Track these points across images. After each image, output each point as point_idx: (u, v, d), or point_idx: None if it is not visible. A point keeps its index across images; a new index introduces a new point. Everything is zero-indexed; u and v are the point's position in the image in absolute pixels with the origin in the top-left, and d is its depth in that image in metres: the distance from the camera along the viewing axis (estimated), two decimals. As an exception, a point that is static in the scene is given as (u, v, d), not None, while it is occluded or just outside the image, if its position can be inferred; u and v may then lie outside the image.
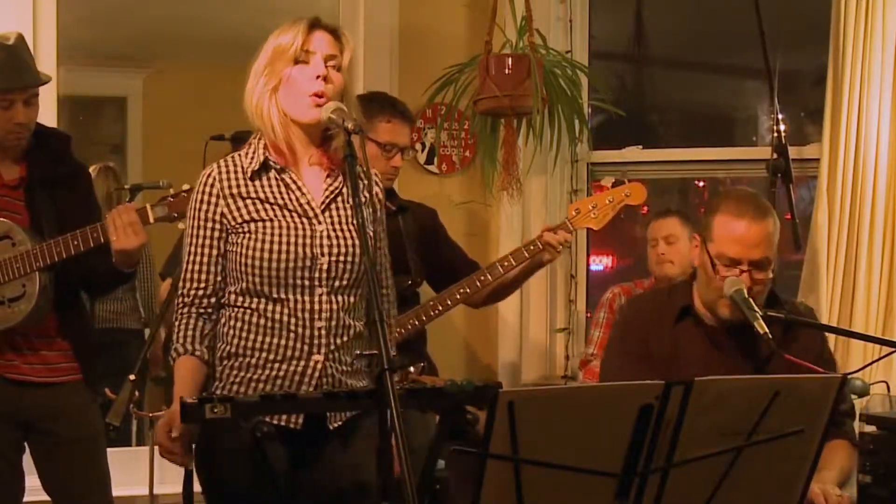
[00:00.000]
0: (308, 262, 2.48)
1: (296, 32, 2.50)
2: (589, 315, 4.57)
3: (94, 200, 3.29)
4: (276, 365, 2.49)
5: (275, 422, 2.46)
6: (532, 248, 3.54)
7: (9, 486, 3.17)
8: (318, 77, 2.48)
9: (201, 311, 2.53)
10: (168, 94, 6.48)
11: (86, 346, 3.24)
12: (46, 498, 3.27)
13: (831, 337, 3.94)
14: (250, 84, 2.53)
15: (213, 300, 2.53)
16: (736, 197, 2.76)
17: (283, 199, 2.52)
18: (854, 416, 2.87)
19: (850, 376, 2.27)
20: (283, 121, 2.51)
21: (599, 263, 5.06)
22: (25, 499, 3.26)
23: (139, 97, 6.78)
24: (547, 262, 3.63)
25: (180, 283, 2.55)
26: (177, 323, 2.54)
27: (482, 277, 3.56)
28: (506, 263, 3.56)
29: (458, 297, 3.56)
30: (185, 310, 2.53)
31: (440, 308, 3.55)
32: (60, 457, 3.19)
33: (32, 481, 3.24)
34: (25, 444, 3.22)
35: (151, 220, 2.96)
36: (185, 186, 2.87)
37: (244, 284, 2.49)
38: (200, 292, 2.53)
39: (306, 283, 2.48)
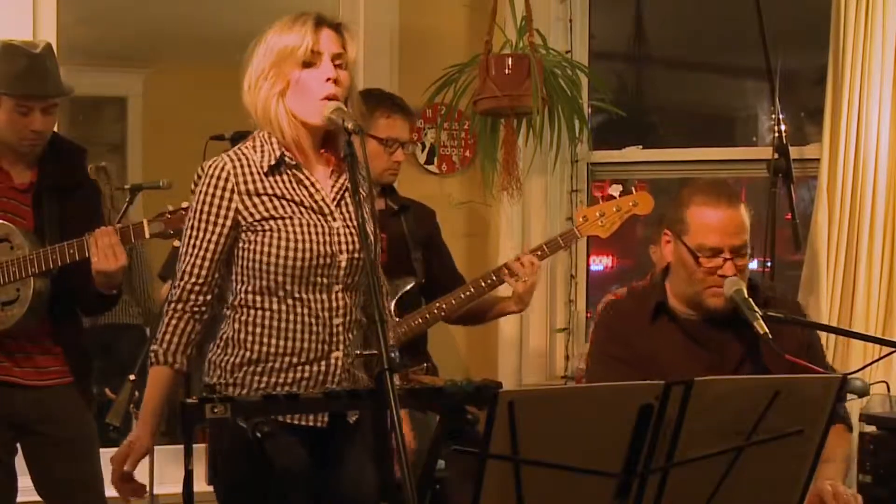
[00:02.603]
0: (328, 260, 2.46)
1: (303, 33, 2.45)
2: (589, 315, 4.56)
3: (101, 216, 3.27)
4: (301, 367, 2.47)
5: (302, 423, 2.46)
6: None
7: (1, 487, 3.16)
8: (328, 80, 2.45)
9: (194, 309, 2.48)
10: (168, 94, 6.48)
11: (77, 353, 3.22)
12: (39, 498, 3.26)
13: (831, 337, 3.96)
14: (252, 84, 2.48)
15: (208, 297, 2.49)
16: (707, 186, 2.73)
17: (298, 195, 2.49)
18: (843, 397, 2.85)
19: (850, 376, 2.26)
20: (291, 122, 2.48)
21: (599, 263, 5.06)
22: (18, 499, 3.25)
23: (139, 97, 6.78)
24: (516, 306, 3.59)
25: (177, 276, 2.49)
26: (165, 320, 2.48)
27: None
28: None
29: (464, 298, 3.55)
30: (178, 306, 2.47)
31: (445, 310, 3.54)
32: (52, 457, 3.18)
33: (25, 482, 3.24)
34: (18, 445, 3.21)
35: (147, 235, 2.95)
36: (185, 204, 2.82)
37: (262, 282, 2.46)
38: (198, 288, 2.47)
39: (325, 280, 2.47)
